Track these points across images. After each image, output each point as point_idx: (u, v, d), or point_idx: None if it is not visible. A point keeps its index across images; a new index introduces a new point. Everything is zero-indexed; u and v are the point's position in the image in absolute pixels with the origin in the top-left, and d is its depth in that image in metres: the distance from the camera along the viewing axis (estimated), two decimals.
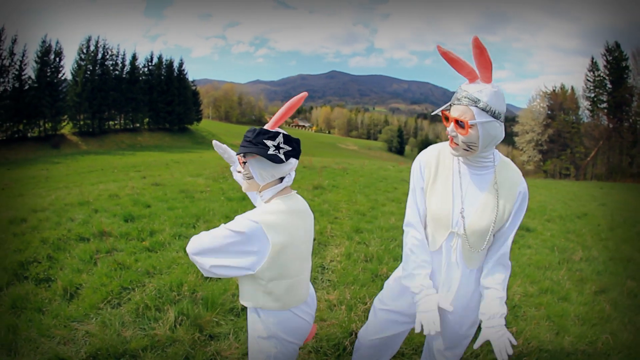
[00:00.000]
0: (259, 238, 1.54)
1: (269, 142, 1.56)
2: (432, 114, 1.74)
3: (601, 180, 36.23)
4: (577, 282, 4.40)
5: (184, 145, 43.98)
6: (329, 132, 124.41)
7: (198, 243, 1.55)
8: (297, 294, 1.71)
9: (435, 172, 1.75)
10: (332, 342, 2.81)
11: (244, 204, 6.71)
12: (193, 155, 26.06)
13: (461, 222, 1.69)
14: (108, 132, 43.93)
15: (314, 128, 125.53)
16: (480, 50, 1.47)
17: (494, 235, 1.70)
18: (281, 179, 1.67)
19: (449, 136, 1.62)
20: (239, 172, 1.71)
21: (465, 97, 1.53)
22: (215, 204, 6.55)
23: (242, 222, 1.54)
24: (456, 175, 1.72)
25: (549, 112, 46.09)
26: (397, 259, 4.48)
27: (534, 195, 12.09)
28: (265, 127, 1.62)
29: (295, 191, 1.78)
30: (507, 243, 1.70)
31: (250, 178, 1.64)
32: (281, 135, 1.59)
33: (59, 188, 9.86)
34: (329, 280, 3.96)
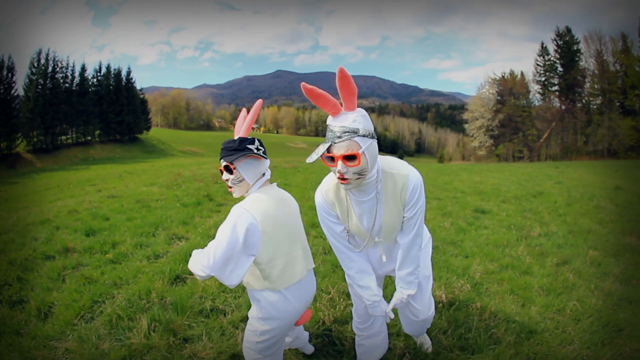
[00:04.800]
0: (250, 224, 1.81)
1: (251, 146, 1.91)
2: (310, 161, 1.65)
3: (556, 160, 37.59)
4: (538, 256, 4.59)
5: (135, 156, 43.20)
6: (277, 132, 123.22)
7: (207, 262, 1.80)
8: (292, 273, 1.97)
9: (340, 210, 1.96)
10: None
11: (200, 209, 6.91)
12: (145, 165, 25.95)
13: (376, 233, 1.97)
14: (60, 147, 42.42)
15: (262, 129, 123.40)
16: (347, 79, 1.56)
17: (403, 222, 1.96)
18: (262, 174, 1.99)
19: (337, 175, 1.68)
20: (226, 181, 1.94)
21: (345, 132, 1.60)
22: (171, 212, 6.69)
23: (233, 214, 1.82)
24: (353, 206, 1.92)
25: (499, 97, 47.36)
26: None
27: (488, 179, 12.40)
28: (239, 136, 1.96)
29: (275, 183, 2.09)
30: (415, 228, 1.93)
31: (241, 181, 1.92)
32: (256, 139, 1.95)
33: (19, 208, 9.66)
34: None
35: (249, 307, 3.21)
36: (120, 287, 3.72)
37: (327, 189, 1.95)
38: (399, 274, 2.04)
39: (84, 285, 3.73)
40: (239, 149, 1.89)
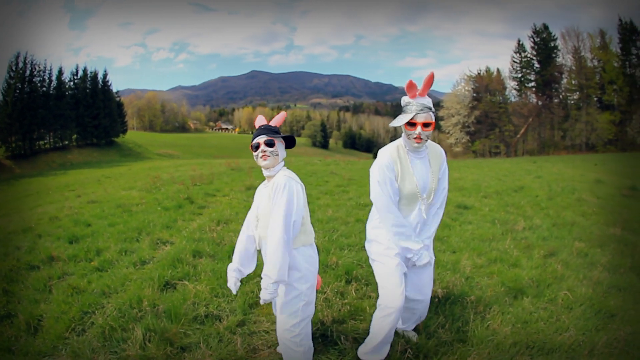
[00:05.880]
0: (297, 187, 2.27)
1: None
2: (396, 124, 2.34)
3: (533, 155, 38.21)
4: (525, 249, 4.68)
5: (112, 160, 42.69)
6: (252, 133, 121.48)
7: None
8: (312, 229, 2.47)
9: (401, 166, 2.45)
10: None
11: (181, 212, 6.84)
12: (122, 169, 25.67)
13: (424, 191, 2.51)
14: (38, 152, 41.36)
15: (237, 130, 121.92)
16: (431, 81, 2.30)
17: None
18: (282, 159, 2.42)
19: (415, 136, 2.33)
20: (264, 151, 2.30)
21: (426, 107, 2.30)
22: (153, 215, 6.62)
23: (283, 185, 2.23)
24: (413, 164, 2.47)
25: (475, 94, 47.29)
26: (343, 248, 4.64)
27: (466, 175, 12.51)
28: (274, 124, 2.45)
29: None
30: (445, 191, 2.65)
31: (276, 155, 2.32)
32: None
33: (0, 216, 9.43)
34: None
35: (244, 311, 3.19)
36: (109, 296, 3.62)
37: (391, 149, 2.48)
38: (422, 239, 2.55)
39: (72, 295, 3.62)
40: (278, 132, 2.37)
